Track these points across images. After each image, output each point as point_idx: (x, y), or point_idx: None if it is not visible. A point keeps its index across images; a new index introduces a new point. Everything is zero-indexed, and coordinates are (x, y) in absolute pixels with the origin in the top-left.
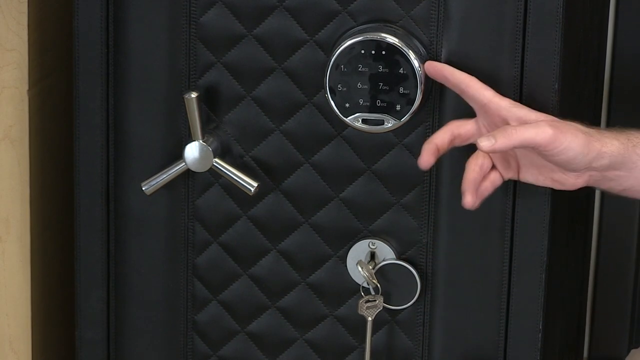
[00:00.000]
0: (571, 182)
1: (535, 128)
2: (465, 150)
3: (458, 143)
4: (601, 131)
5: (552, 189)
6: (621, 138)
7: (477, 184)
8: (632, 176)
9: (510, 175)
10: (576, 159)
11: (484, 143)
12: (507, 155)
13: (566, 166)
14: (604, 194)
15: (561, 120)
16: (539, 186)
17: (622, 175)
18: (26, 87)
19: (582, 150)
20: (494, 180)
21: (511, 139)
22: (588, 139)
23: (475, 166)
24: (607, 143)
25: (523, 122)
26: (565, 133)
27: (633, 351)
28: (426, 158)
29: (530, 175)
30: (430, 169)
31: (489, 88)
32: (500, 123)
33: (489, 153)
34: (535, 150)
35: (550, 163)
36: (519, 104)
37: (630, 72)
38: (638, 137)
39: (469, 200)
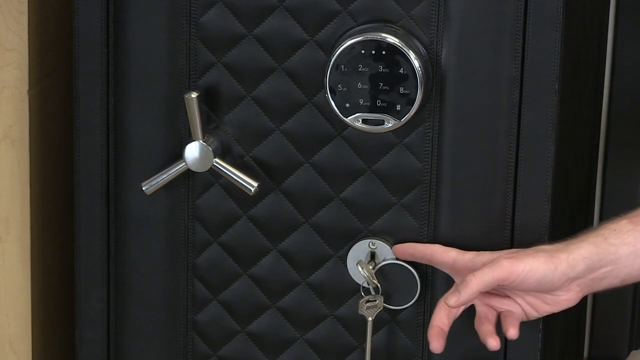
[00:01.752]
0: (563, 299)
1: (490, 267)
2: (467, 151)
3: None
4: (569, 241)
5: (552, 189)
6: (590, 237)
7: (443, 330)
8: (620, 267)
9: (521, 316)
10: (546, 277)
11: (450, 300)
12: (506, 302)
13: (543, 288)
14: (604, 193)
15: (522, 249)
16: (538, 186)
17: (610, 271)
18: (26, 87)
19: (547, 267)
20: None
21: (472, 286)
22: (550, 255)
23: (442, 313)
24: (573, 250)
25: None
26: (522, 259)
27: (633, 352)
28: (436, 344)
29: (531, 311)
30: (430, 169)
31: (451, 249)
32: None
33: (458, 307)
34: (506, 286)
35: (535, 293)
36: (481, 252)
37: (631, 72)
38: (609, 228)
39: (435, 346)
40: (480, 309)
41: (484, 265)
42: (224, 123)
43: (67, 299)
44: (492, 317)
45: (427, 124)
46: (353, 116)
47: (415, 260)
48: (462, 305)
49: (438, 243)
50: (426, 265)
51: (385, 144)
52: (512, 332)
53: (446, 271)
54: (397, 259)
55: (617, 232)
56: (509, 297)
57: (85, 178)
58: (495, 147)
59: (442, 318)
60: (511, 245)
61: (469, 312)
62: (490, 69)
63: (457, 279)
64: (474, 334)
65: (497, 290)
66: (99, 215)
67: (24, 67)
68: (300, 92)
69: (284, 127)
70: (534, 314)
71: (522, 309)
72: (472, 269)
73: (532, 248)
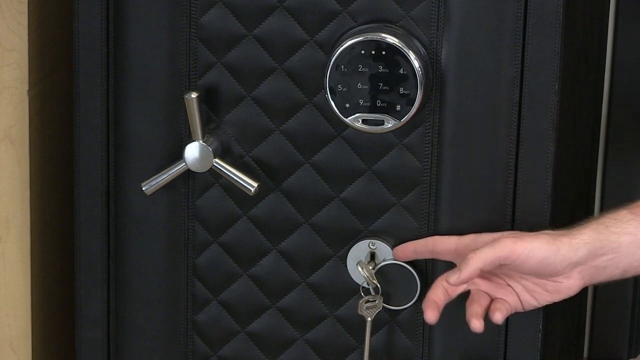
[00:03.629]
0: (565, 286)
1: (492, 245)
2: (467, 151)
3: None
4: (570, 229)
5: (552, 189)
6: (591, 225)
7: (438, 304)
8: (621, 256)
9: (516, 307)
10: (548, 259)
11: (452, 278)
12: (501, 291)
13: (545, 271)
14: (603, 194)
15: (524, 232)
16: (538, 186)
17: (611, 259)
18: (26, 87)
19: (549, 249)
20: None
21: (473, 263)
22: (552, 237)
23: (439, 290)
24: (575, 235)
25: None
26: (524, 239)
27: None
28: (430, 314)
29: (530, 300)
30: (430, 169)
31: (450, 237)
32: None
33: (460, 285)
34: (506, 267)
35: (536, 278)
36: (481, 234)
37: (631, 72)
38: (610, 218)
39: (430, 316)
40: (475, 292)
41: (485, 244)
42: (224, 123)
43: (67, 299)
44: (485, 302)
45: (427, 124)
46: (353, 116)
47: (418, 257)
48: (463, 283)
49: None
50: (426, 265)
51: (385, 144)
52: (498, 317)
53: (449, 259)
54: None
55: (618, 221)
56: (507, 285)
57: (85, 178)
58: (495, 147)
59: (438, 293)
60: None
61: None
62: (490, 69)
63: (459, 264)
64: (474, 333)
65: (496, 277)
66: (99, 215)
67: (24, 67)
68: (300, 92)
69: (284, 127)
70: (532, 303)
71: (520, 298)
72: (474, 249)
73: (532, 233)
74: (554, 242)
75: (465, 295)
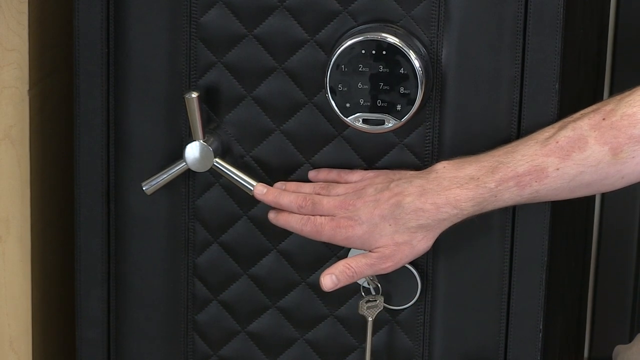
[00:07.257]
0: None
1: (369, 264)
2: (467, 151)
3: None
4: (462, 187)
5: None
6: (479, 191)
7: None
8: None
9: None
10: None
11: (327, 283)
12: None
13: None
14: (604, 194)
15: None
16: None
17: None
18: (26, 87)
19: (428, 246)
20: None
21: (348, 278)
22: (434, 234)
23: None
24: (464, 202)
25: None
26: (400, 256)
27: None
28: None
29: None
30: None
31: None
32: None
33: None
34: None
35: None
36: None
37: (631, 72)
38: (499, 183)
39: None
40: None
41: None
42: (224, 123)
43: (67, 299)
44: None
45: (427, 124)
46: (353, 116)
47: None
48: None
49: (438, 243)
50: (426, 264)
51: (385, 144)
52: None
53: None
54: None
55: (501, 191)
56: None
57: (85, 178)
58: (495, 147)
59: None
60: (511, 245)
61: (469, 310)
62: (490, 69)
63: None
64: (474, 333)
65: None
66: (99, 215)
67: (24, 67)
68: (301, 92)
69: (284, 127)
70: None
71: None
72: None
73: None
74: (433, 237)
75: (464, 293)
